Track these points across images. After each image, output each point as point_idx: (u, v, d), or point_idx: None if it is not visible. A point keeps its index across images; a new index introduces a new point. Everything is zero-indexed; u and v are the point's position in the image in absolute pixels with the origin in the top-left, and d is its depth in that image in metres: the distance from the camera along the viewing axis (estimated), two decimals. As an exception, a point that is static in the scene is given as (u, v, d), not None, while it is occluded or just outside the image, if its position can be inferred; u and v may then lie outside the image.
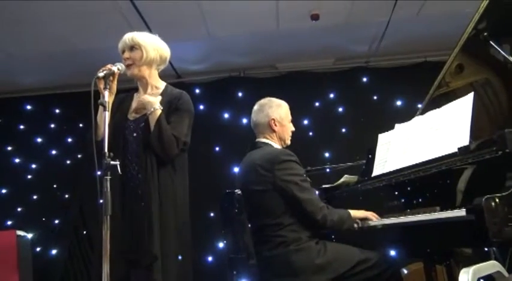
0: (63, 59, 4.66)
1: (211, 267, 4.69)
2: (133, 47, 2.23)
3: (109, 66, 2.06)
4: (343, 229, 2.23)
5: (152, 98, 2.19)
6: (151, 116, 2.14)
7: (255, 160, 2.29)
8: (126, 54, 2.23)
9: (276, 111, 2.43)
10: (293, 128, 2.52)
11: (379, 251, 2.23)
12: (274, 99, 2.49)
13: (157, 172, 2.13)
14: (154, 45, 2.27)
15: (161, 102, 2.18)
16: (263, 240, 2.22)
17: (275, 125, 2.41)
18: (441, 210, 1.82)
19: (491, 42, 2.28)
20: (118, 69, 2.08)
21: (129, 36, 2.24)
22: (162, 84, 2.34)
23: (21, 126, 5.34)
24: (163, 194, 2.11)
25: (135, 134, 2.19)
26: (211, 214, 4.81)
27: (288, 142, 2.50)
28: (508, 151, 1.62)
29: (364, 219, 2.27)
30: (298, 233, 2.17)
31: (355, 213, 2.26)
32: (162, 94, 2.26)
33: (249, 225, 2.31)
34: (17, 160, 5.23)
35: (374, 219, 2.25)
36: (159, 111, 2.14)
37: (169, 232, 2.07)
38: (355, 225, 2.25)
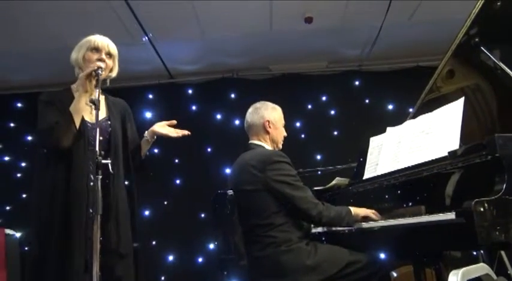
0: (54, 56, 4.59)
1: (202, 268, 4.67)
2: (111, 55, 2.22)
3: (98, 64, 2.05)
4: (342, 226, 2.22)
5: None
6: (147, 142, 2.31)
7: (248, 160, 2.30)
8: (104, 57, 2.17)
9: (271, 113, 2.45)
10: (285, 133, 2.53)
11: (369, 253, 2.23)
12: (269, 102, 2.51)
13: (123, 175, 2.20)
14: (117, 64, 2.27)
15: (116, 110, 2.27)
16: (253, 240, 2.23)
17: (269, 126, 2.42)
18: (431, 213, 1.83)
19: (482, 48, 2.30)
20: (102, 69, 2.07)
21: (111, 44, 2.22)
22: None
23: (11, 124, 5.28)
24: (131, 196, 2.20)
25: (101, 138, 2.08)
26: (202, 215, 4.79)
27: (280, 146, 2.52)
28: (497, 156, 1.63)
29: (366, 217, 2.23)
30: (289, 234, 2.17)
31: (356, 210, 2.22)
32: (106, 99, 2.27)
33: (240, 225, 2.31)
34: (6, 158, 5.18)
35: (375, 218, 2.22)
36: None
37: (133, 230, 2.18)
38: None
